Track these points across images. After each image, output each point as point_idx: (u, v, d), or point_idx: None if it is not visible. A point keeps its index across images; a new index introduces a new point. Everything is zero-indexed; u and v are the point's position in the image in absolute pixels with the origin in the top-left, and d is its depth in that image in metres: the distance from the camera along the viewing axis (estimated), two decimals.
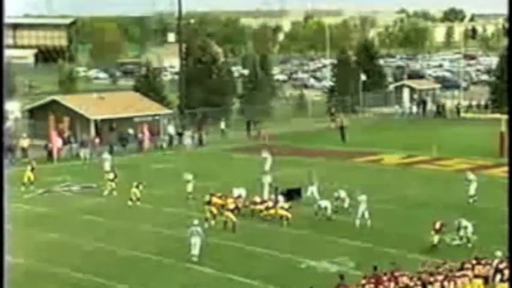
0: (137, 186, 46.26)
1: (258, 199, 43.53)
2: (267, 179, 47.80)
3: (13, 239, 38.89)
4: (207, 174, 51.91)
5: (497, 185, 48.17)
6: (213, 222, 40.52)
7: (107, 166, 55.13)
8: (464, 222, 37.90)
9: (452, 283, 28.71)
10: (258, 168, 53.81)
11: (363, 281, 28.15)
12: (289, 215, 40.89)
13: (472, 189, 44.88)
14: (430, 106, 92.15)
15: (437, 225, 36.63)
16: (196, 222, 36.92)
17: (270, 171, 51.53)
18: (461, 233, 37.64)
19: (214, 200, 42.07)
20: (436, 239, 36.24)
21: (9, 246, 36.22)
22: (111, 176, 50.07)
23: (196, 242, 35.28)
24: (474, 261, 30.01)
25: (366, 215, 40.41)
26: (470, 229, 37.43)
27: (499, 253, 30.59)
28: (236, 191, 44.40)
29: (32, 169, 52.50)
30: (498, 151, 60.49)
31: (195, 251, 35.16)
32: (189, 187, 47.05)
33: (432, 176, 54.39)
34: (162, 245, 37.82)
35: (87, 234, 40.27)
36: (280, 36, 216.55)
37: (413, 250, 35.48)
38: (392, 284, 27.82)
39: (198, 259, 34.85)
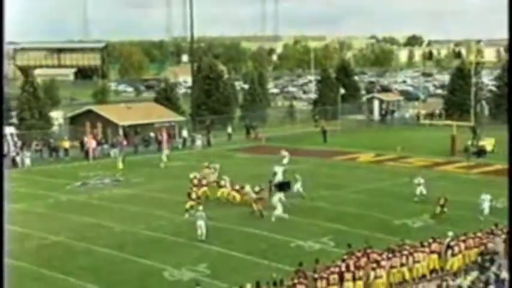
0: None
1: (237, 186, 43.57)
2: (280, 169, 48.12)
3: (55, 222, 39.16)
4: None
5: (449, 179, 48.32)
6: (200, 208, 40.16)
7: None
8: (484, 196, 39.08)
9: (412, 258, 28.70)
10: (257, 165, 53.92)
11: (345, 257, 28.06)
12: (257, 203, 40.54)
13: (418, 191, 43.65)
14: (397, 114, 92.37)
15: (442, 201, 38.54)
16: (200, 208, 36.95)
17: (286, 164, 52.38)
18: (481, 207, 38.59)
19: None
20: (438, 210, 38.43)
21: (52, 227, 36.32)
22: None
23: (201, 224, 35.30)
24: (431, 240, 29.97)
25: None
26: (487, 206, 38.50)
27: (450, 233, 30.70)
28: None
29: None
30: (450, 151, 60.69)
31: (202, 231, 35.20)
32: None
33: (398, 171, 54.29)
34: (176, 227, 37.76)
35: (116, 218, 40.24)
36: (274, 57, 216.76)
37: (383, 231, 35.34)
38: (364, 259, 27.74)
39: (205, 238, 34.83)
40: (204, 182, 44.40)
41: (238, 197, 42.82)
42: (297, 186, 44.52)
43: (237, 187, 43.47)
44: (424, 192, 42.73)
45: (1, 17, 5.15)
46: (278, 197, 40.13)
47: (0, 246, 5.39)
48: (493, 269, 22.87)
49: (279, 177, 47.05)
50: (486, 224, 34.66)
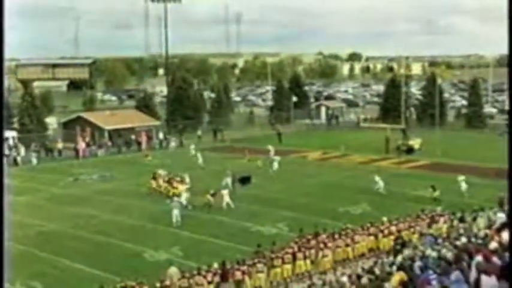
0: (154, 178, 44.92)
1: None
2: (276, 158, 52.17)
3: (50, 212, 38.71)
4: (185, 166, 51.68)
5: (384, 173, 48.65)
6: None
7: None
8: (461, 177, 41.03)
9: (353, 239, 28.97)
10: (223, 162, 53.87)
11: (296, 239, 28.24)
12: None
13: (378, 186, 43.54)
14: (341, 118, 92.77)
15: (435, 187, 39.58)
16: (176, 198, 37.00)
17: (274, 155, 54.95)
18: (460, 186, 40.50)
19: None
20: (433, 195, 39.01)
21: (48, 216, 35.97)
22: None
23: (177, 213, 35.35)
24: (369, 224, 30.28)
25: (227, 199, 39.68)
26: (464, 186, 40.34)
27: (384, 218, 31.07)
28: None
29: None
30: (384, 149, 61.18)
31: (177, 218, 35.22)
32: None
33: (342, 166, 54.61)
34: (154, 216, 37.61)
35: (102, 209, 40.00)
36: (237, 71, 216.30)
37: (329, 218, 35.56)
38: (314, 241, 27.94)
39: (179, 225, 34.82)
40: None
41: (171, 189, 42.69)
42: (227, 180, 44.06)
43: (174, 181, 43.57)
44: (382, 185, 42.75)
45: (1, 24, 5.01)
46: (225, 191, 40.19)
47: (0, 244, 4.97)
48: (421, 247, 23.17)
49: (275, 165, 50.77)
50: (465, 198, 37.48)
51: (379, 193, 41.62)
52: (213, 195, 39.35)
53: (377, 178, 43.06)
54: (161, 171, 45.63)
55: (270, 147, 58.20)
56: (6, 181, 7.50)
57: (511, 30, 5.26)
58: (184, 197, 38.88)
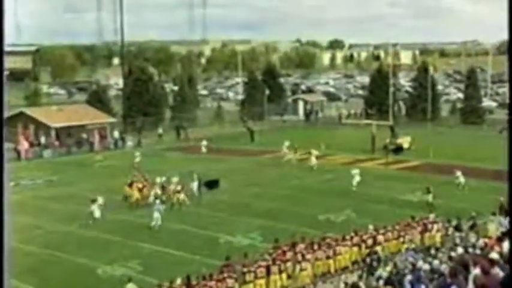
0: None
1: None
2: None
3: None
4: (145, 168, 51.43)
5: (370, 175, 48.95)
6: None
7: None
8: (458, 173, 44.11)
9: (334, 251, 29.04)
10: (187, 164, 53.73)
11: (271, 251, 28.26)
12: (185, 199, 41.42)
13: (355, 182, 44.93)
14: (320, 114, 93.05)
15: (430, 189, 39.38)
16: (158, 201, 37.48)
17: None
18: (459, 181, 43.66)
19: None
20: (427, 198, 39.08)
21: None
22: None
23: (157, 216, 36.14)
24: (353, 234, 30.36)
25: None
26: (462, 179, 43.63)
27: (370, 226, 31.18)
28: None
29: None
30: (370, 148, 61.50)
31: (157, 222, 35.99)
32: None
33: (322, 168, 54.66)
34: (108, 225, 37.39)
35: (50, 217, 39.69)
36: (203, 60, 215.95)
37: (308, 226, 35.61)
38: (291, 253, 27.97)
39: (157, 229, 35.25)
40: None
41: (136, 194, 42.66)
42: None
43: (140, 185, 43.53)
44: (357, 180, 43.55)
45: (1, 16, 5.00)
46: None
47: (0, 244, 5.08)
48: (410, 259, 23.38)
49: (313, 160, 53.35)
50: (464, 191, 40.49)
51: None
52: (179, 191, 39.89)
53: (354, 171, 43.74)
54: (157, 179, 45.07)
55: (287, 144, 59.96)
56: None
57: (511, 29, 5.32)
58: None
